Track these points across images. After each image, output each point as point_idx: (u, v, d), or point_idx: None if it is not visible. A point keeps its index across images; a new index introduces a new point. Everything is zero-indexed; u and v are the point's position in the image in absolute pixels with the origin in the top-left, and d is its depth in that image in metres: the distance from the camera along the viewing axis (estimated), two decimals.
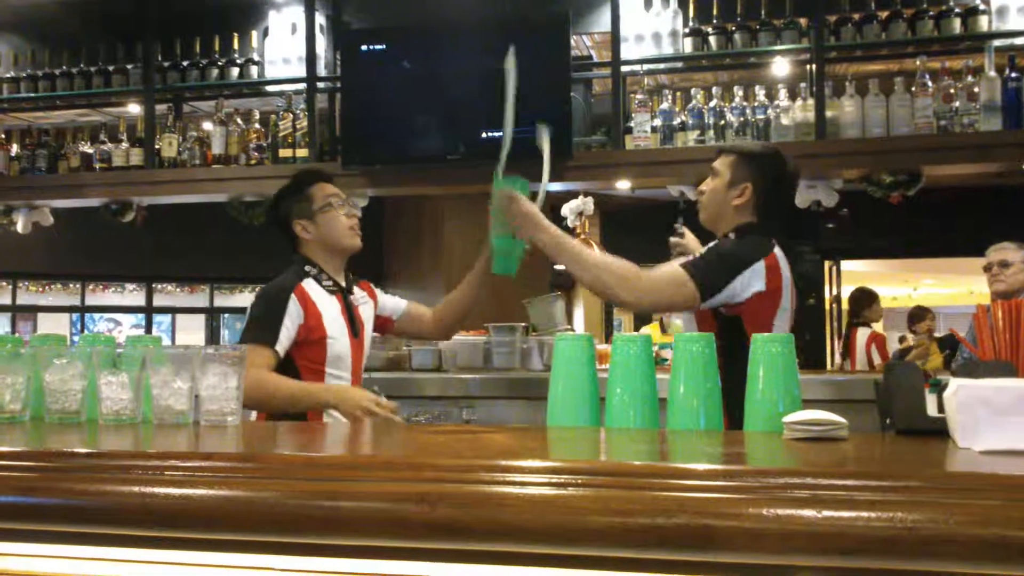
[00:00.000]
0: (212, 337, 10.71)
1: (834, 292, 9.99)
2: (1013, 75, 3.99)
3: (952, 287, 14.61)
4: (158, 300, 11.06)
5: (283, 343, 2.52)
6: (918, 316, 7.34)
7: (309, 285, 2.64)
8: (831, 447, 1.32)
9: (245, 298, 12.13)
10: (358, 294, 2.81)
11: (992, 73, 4.02)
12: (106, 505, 1.25)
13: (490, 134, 4.39)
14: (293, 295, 2.57)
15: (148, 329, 10.78)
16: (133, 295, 11.21)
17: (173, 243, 8.08)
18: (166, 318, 11.42)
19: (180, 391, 1.74)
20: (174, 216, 5.22)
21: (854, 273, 11.19)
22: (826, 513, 1.01)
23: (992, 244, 4.30)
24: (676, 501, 1.05)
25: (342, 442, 1.63)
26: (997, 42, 4.10)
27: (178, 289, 11.38)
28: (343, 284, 2.75)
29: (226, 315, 11.42)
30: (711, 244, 2.62)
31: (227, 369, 1.73)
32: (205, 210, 5.01)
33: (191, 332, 11.30)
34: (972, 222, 7.92)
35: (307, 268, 2.69)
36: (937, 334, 7.30)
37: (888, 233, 8.60)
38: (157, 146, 4.81)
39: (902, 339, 7.90)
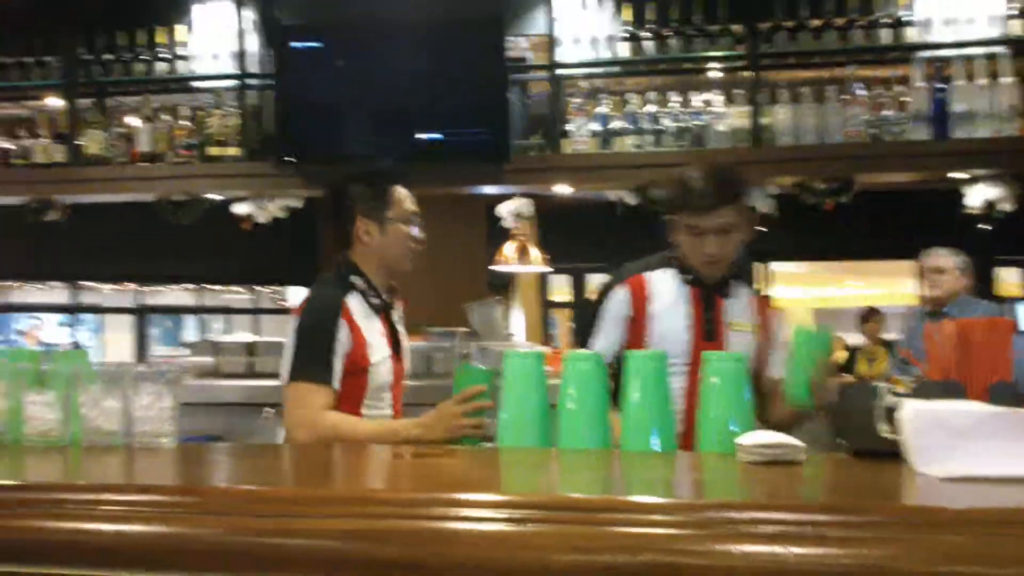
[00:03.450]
0: (140, 338, 10.40)
1: (764, 294, 10.10)
2: (940, 86, 4.08)
3: (877, 288, 14.99)
4: (84, 299, 10.70)
5: (337, 377, 2.21)
6: (864, 317, 7.39)
7: (353, 302, 2.28)
8: (790, 473, 1.31)
9: (175, 297, 11.81)
10: (398, 309, 2.46)
11: (920, 84, 4.10)
12: (34, 542, 1.17)
13: (426, 135, 4.34)
14: (342, 319, 2.23)
15: (74, 328, 10.43)
16: (58, 293, 10.82)
17: (99, 241, 7.79)
18: (92, 317, 11.06)
19: (111, 411, 1.65)
20: (100, 213, 5.04)
21: (783, 274, 11.39)
22: (793, 550, 0.99)
23: (917, 248, 4.37)
24: (642, 538, 1.02)
25: (289, 472, 1.56)
26: (924, 53, 4.18)
27: (105, 288, 11.01)
28: (388, 301, 2.39)
29: (154, 315, 11.10)
30: None
31: (161, 388, 1.65)
32: (132, 208, 4.84)
33: (118, 331, 10.97)
34: (897, 227, 8.08)
35: (354, 279, 2.32)
36: (884, 336, 7.32)
37: (816, 236, 8.74)
38: (80, 142, 4.63)
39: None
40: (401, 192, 2.39)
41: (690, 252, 2.31)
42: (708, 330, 2.32)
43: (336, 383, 2.20)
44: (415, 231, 2.38)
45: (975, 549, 0.95)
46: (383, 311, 2.36)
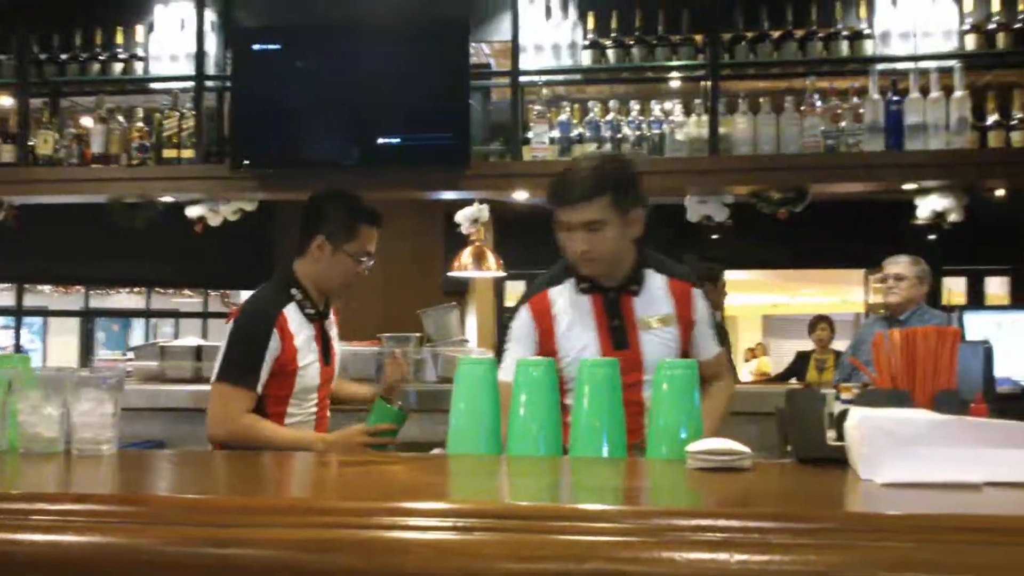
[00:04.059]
0: (85, 342, 10.21)
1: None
2: (895, 98, 4.14)
3: (828, 296, 15.22)
4: (28, 301, 10.47)
5: (261, 383, 2.38)
6: (812, 325, 7.44)
7: (290, 311, 2.47)
8: (738, 480, 1.31)
9: (121, 299, 11.62)
10: (331, 318, 2.66)
11: (876, 96, 4.16)
12: None
13: (386, 140, 4.31)
14: (275, 328, 2.40)
15: (18, 331, 10.19)
16: (2, 295, 10.60)
17: (47, 242, 7.64)
18: (37, 320, 10.84)
19: (51, 417, 1.61)
20: (48, 214, 4.94)
21: (736, 282, 11.50)
22: (738, 557, 0.99)
23: (867, 257, 4.46)
24: (588, 546, 1.01)
25: (234, 481, 1.52)
26: (880, 66, 4.25)
27: (51, 290, 10.80)
28: (322, 310, 2.58)
29: (101, 319, 10.91)
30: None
31: (102, 394, 1.61)
32: (81, 209, 4.75)
33: (64, 335, 10.76)
34: (848, 236, 8.19)
35: (293, 291, 2.51)
36: (835, 344, 7.37)
37: (771, 244, 8.84)
38: (31, 142, 4.53)
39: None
40: (370, 232, 2.56)
41: (565, 250, 2.20)
42: (617, 338, 2.21)
43: (259, 388, 2.37)
44: (362, 269, 2.56)
45: (919, 555, 0.96)
46: (317, 320, 2.54)
